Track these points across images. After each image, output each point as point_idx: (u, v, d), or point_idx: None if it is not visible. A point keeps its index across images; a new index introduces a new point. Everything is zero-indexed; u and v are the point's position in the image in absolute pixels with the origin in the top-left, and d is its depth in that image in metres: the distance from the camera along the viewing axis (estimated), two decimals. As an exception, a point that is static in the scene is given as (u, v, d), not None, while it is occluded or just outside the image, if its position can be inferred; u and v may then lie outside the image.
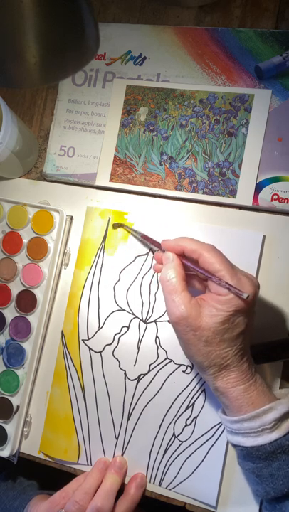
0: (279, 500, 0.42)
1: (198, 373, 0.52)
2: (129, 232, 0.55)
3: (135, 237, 0.55)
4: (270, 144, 0.53)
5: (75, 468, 0.55)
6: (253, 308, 0.43)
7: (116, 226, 0.55)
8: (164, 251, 0.47)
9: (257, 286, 0.43)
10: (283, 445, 0.41)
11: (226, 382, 0.43)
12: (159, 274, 0.51)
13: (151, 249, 0.54)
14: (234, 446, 0.45)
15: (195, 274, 0.47)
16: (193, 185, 0.55)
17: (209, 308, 0.42)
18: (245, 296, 0.41)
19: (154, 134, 0.57)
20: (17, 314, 0.57)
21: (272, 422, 0.41)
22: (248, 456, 0.43)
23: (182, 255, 0.46)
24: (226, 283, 0.41)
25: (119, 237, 0.56)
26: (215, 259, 0.43)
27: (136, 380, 0.53)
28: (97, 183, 0.58)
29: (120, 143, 0.58)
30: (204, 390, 0.52)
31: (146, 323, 0.54)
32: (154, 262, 0.54)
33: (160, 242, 0.48)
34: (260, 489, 0.43)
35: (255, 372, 0.44)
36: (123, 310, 0.55)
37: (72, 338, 0.56)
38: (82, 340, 0.55)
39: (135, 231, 0.54)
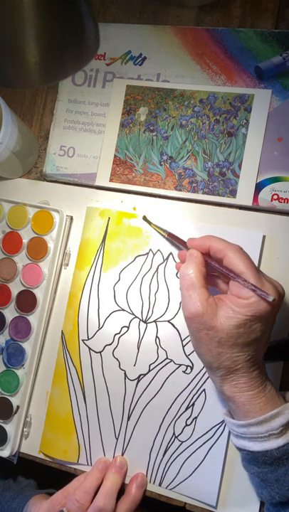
0: (284, 505, 0.42)
1: (198, 373, 0.52)
2: (155, 228, 0.54)
3: (161, 234, 0.54)
4: (270, 144, 0.53)
5: (75, 469, 0.55)
6: (273, 316, 0.42)
7: (145, 219, 0.55)
8: (188, 249, 0.46)
9: (282, 294, 0.42)
10: None
11: (234, 386, 0.42)
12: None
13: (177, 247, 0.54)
14: (239, 449, 0.44)
15: (218, 275, 0.47)
16: (193, 185, 0.55)
17: (226, 309, 0.41)
18: (270, 298, 0.39)
19: (154, 134, 0.57)
20: (17, 314, 0.57)
21: (280, 427, 0.40)
22: (253, 460, 0.42)
23: (207, 254, 0.45)
24: (252, 284, 0.40)
25: (119, 237, 0.56)
26: (240, 261, 0.42)
27: (136, 380, 0.53)
28: (97, 183, 0.58)
29: (120, 143, 0.58)
30: (204, 390, 0.51)
31: (146, 323, 0.54)
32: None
33: (186, 240, 0.47)
34: (264, 493, 0.43)
35: (266, 380, 0.43)
36: (123, 310, 0.55)
37: (72, 338, 0.56)
38: (82, 340, 0.55)
39: (162, 229, 0.54)
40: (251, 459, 0.42)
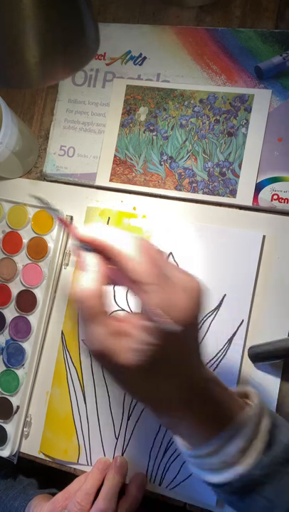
0: None
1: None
2: (45, 207, 0.43)
3: (54, 217, 0.44)
4: (270, 144, 0.53)
5: (75, 469, 0.55)
6: (195, 324, 0.31)
7: (35, 197, 0.41)
8: (85, 247, 0.33)
9: (198, 292, 0.31)
10: (254, 477, 0.32)
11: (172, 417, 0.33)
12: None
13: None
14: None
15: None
16: (193, 185, 0.55)
17: (127, 339, 0.30)
18: (177, 328, 0.29)
19: (154, 134, 0.57)
20: (17, 314, 0.57)
21: (236, 453, 0.32)
22: (214, 489, 0.36)
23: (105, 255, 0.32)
24: (150, 308, 0.29)
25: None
26: (139, 266, 0.30)
27: (136, 380, 0.53)
28: (97, 183, 0.58)
29: (120, 143, 0.58)
30: (204, 390, 0.51)
31: (146, 323, 0.54)
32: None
33: (75, 227, 0.34)
34: None
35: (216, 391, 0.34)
36: (123, 310, 0.55)
37: (72, 338, 0.56)
38: (82, 340, 0.55)
39: (52, 209, 0.42)
40: (213, 488, 0.36)
